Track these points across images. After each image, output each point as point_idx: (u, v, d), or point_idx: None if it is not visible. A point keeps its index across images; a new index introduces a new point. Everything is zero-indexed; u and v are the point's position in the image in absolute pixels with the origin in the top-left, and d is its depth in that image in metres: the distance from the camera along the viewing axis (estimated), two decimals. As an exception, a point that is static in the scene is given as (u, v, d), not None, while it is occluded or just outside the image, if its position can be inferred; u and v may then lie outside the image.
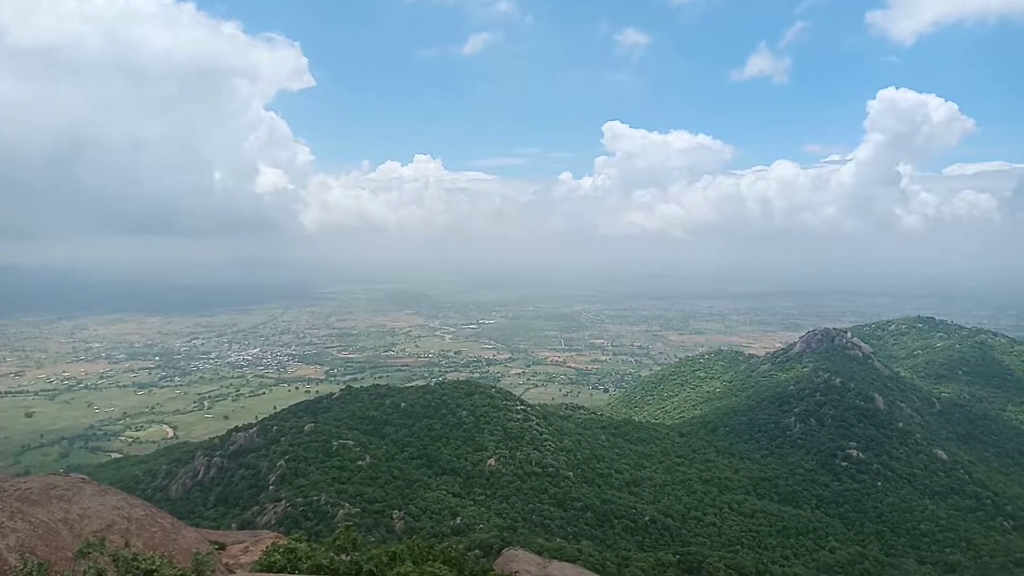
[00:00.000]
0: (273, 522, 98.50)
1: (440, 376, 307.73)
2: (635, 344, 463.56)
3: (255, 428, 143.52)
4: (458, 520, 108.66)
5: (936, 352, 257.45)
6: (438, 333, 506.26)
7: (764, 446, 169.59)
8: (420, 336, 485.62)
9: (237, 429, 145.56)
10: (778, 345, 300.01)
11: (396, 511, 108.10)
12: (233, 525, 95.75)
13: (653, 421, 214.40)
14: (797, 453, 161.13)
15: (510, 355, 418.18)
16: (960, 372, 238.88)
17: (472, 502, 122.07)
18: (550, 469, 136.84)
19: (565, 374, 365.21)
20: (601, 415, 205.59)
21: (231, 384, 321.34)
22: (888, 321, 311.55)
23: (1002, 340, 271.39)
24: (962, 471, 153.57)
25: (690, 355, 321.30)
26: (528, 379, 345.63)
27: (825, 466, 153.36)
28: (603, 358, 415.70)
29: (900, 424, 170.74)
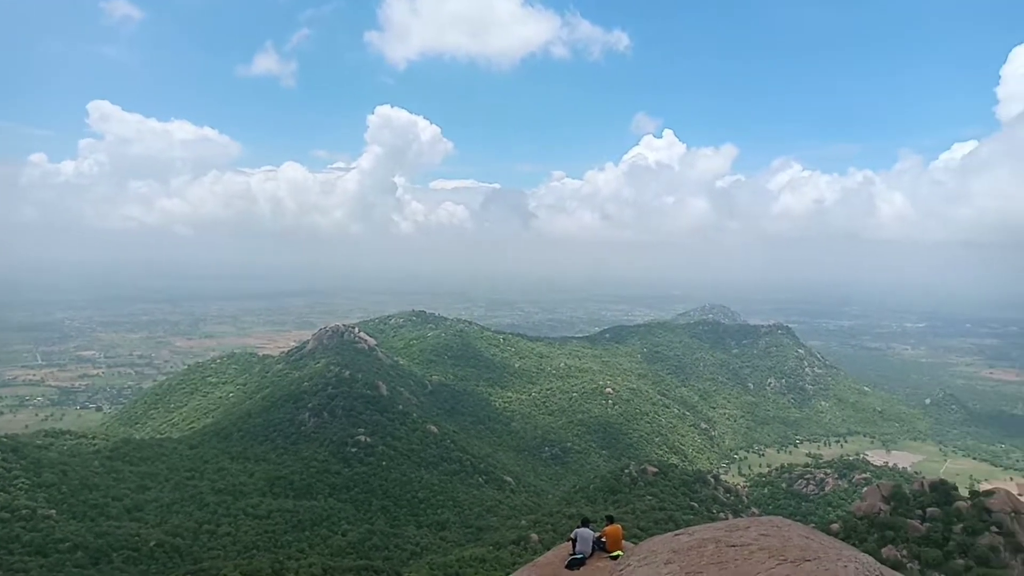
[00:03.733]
0: None
1: None
2: (135, 353, 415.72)
3: None
4: None
5: (428, 341, 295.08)
6: None
7: (280, 445, 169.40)
8: None
9: None
10: (292, 344, 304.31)
11: None
12: None
13: (159, 436, 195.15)
14: (311, 446, 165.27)
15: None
16: (446, 357, 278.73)
17: None
18: (23, 512, 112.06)
19: (44, 394, 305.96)
20: (93, 438, 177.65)
21: None
22: (389, 316, 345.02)
23: (475, 328, 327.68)
24: (449, 441, 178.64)
25: (200, 361, 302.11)
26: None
27: (337, 455, 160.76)
28: (94, 372, 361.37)
29: (400, 407, 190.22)
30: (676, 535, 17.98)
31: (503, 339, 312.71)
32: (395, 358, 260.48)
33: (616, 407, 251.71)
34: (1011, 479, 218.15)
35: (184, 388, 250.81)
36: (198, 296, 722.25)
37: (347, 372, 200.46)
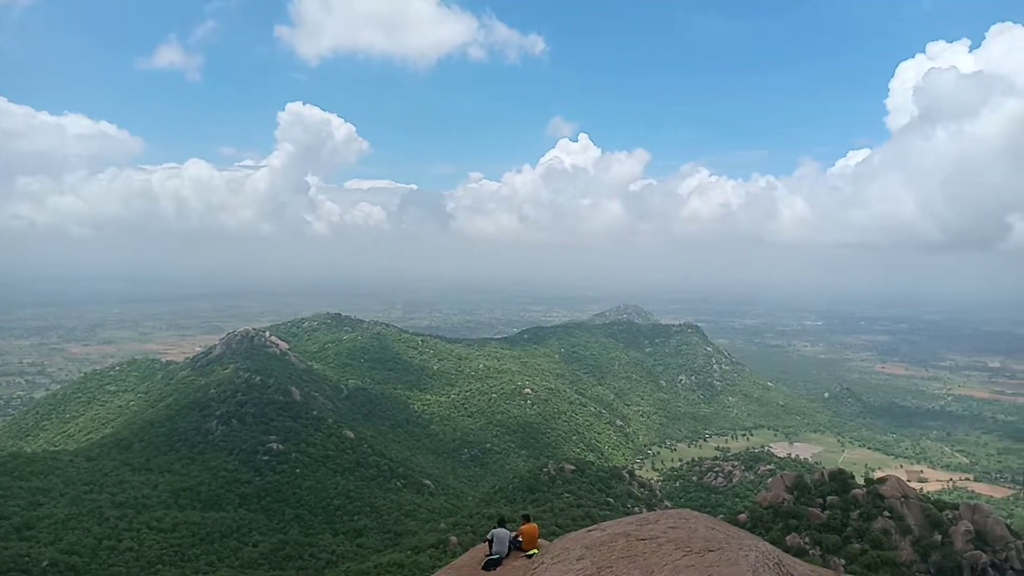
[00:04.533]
0: None
1: None
2: (24, 361, 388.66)
3: None
4: None
5: (343, 344, 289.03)
6: None
7: (185, 455, 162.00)
8: None
9: None
10: (198, 349, 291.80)
11: None
12: None
13: (53, 449, 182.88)
14: (220, 456, 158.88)
15: None
16: (363, 360, 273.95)
17: None
18: None
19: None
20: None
21: None
22: (302, 319, 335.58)
23: (393, 330, 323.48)
24: (366, 446, 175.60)
25: (98, 368, 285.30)
26: None
27: (248, 463, 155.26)
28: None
29: (315, 412, 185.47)
30: (589, 531, 18.20)
31: (421, 341, 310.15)
32: (309, 362, 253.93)
33: (535, 407, 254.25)
34: (901, 467, 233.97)
35: (80, 397, 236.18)
36: (95, 299, 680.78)
37: (257, 378, 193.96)
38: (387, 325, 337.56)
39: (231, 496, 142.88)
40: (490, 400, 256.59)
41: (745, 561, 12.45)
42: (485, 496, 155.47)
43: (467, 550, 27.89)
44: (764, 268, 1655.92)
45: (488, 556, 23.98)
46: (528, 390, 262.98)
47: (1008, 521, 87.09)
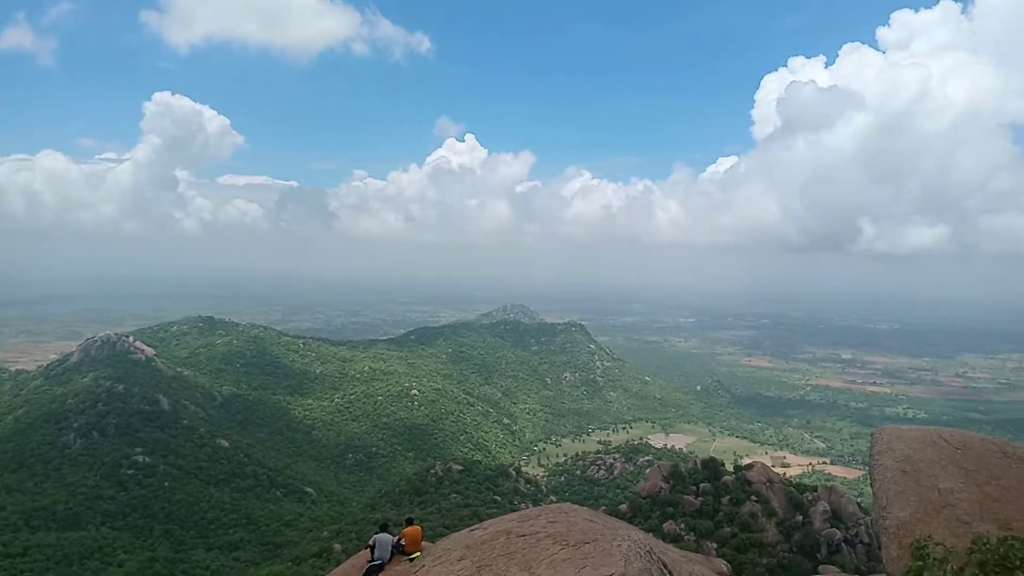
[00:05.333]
0: None
1: None
2: None
3: None
4: None
5: (217, 349, 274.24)
6: None
7: (39, 472, 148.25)
8: None
9: None
10: (53, 357, 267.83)
11: None
12: None
13: None
14: (79, 471, 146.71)
15: None
16: (239, 365, 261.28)
17: None
18: None
19: None
20: None
21: None
22: (171, 322, 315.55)
23: (272, 333, 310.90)
24: (242, 455, 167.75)
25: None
26: None
27: (110, 478, 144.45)
28: None
29: (185, 422, 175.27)
30: (471, 530, 18.08)
31: (303, 344, 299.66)
32: (178, 369, 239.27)
33: (422, 408, 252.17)
34: (766, 453, 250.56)
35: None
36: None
37: (120, 386, 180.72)
38: (265, 328, 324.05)
39: (92, 514, 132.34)
40: (376, 403, 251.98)
41: (618, 551, 12.75)
42: (370, 501, 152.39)
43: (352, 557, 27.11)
44: (643, 267, 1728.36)
45: (370, 562, 23.45)
46: (415, 391, 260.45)
47: (859, 500, 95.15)
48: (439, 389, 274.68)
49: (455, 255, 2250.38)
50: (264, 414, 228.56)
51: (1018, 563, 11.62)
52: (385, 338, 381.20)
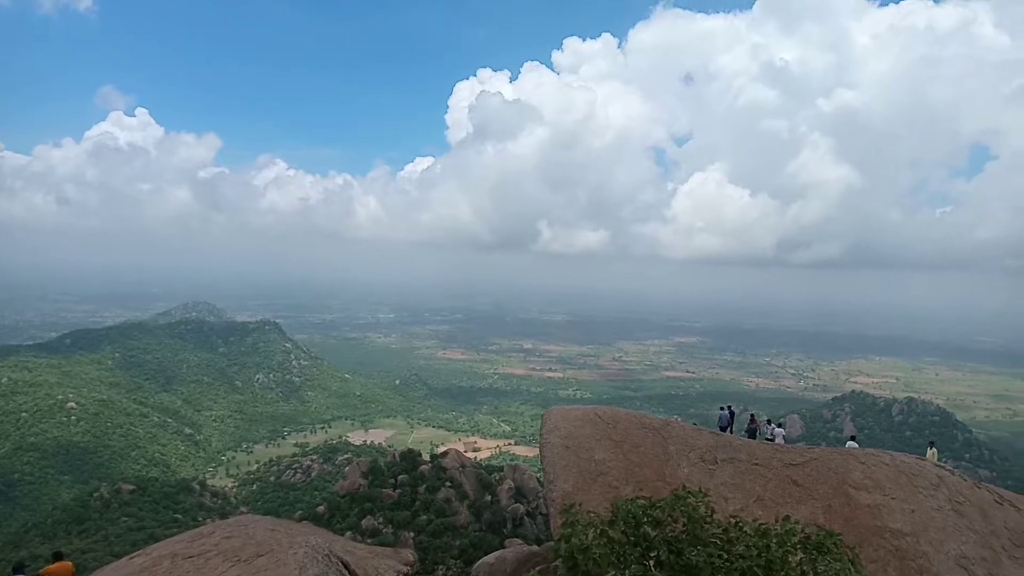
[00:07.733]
0: None
1: None
2: None
3: None
4: None
5: None
6: None
7: None
8: None
9: None
10: None
11: None
12: None
13: None
14: None
15: None
16: None
17: None
18: None
19: None
20: None
21: None
22: None
23: None
24: None
25: None
26: None
27: None
28: None
29: None
30: (131, 558, 15.95)
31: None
32: None
33: (81, 423, 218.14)
34: (460, 440, 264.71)
35: None
36: None
37: None
38: None
39: None
40: (19, 420, 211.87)
41: (293, 559, 12.14)
42: (12, 537, 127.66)
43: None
44: (342, 263, 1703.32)
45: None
46: (72, 404, 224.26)
47: (539, 476, 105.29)
48: (103, 400, 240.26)
49: (124, 246, 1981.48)
50: None
51: (645, 519, 13.70)
52: (31, 343, 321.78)
